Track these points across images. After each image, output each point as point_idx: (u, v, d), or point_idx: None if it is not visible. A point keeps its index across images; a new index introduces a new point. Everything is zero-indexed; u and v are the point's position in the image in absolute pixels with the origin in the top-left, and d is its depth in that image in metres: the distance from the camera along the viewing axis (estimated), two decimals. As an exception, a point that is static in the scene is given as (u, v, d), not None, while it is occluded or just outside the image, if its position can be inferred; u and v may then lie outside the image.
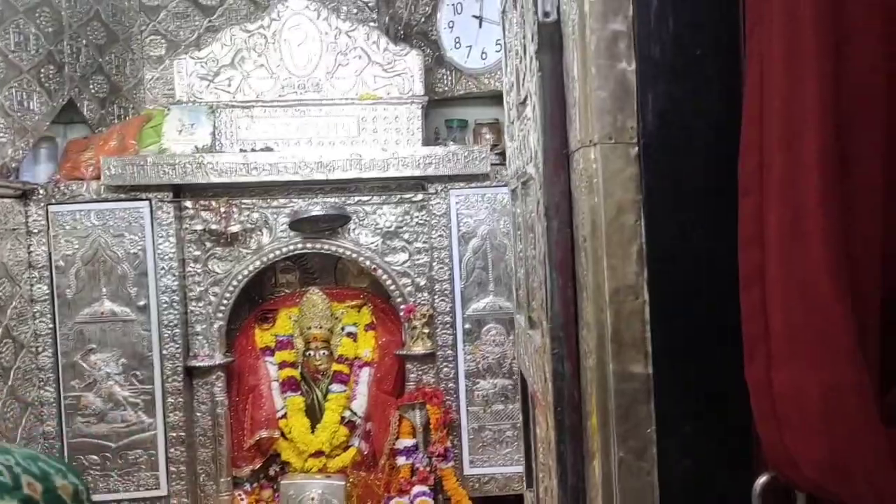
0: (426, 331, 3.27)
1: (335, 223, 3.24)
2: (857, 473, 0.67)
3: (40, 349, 3.00)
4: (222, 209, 3.12)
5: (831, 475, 0.69)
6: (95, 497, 3.04)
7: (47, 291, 3.01)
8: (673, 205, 0.91)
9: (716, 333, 0.92)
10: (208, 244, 3.19)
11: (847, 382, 0.65)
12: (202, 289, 3.20)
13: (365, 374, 3.43)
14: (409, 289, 3.31)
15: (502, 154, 2.95)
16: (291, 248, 3.27)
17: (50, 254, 2.99)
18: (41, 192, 2.98)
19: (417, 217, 3.29)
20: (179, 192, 3.13)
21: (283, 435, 3.33)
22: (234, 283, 3.23)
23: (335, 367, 3.43)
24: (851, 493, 0.69)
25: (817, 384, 0.67)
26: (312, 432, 3.32)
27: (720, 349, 0.92)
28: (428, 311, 3.27)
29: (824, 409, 0.66)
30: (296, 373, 3.42)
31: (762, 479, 0.85)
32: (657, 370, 0.93)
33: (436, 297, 3.26)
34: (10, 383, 2.78)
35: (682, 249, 0.92)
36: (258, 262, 3.25)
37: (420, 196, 3.27)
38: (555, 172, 1.05)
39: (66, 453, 3.01)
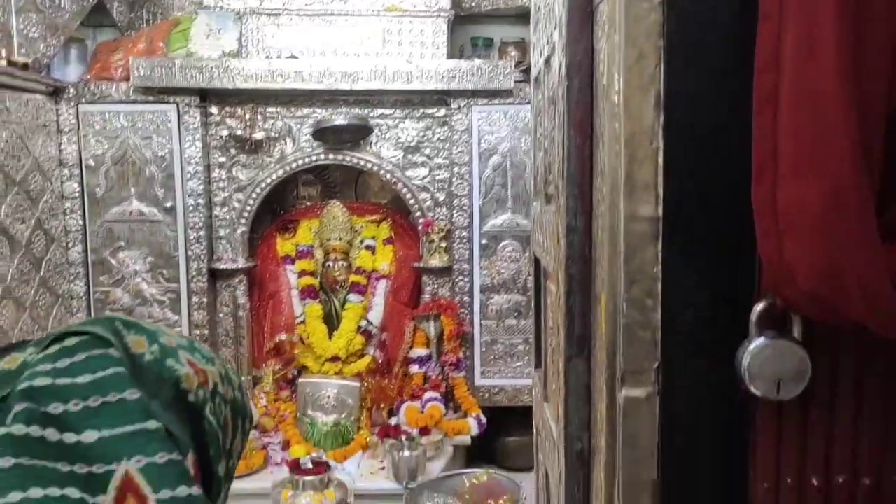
0: (443, 245, 3.34)
1: (358, 134, 3.28)
2: (852, 280, 0.72)
3: (70, 244, 3.11)
4: (247, 116, 3.17)
5: (826, 282, 0.74)
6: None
7: (77, 189, 3.10)
8: (694, 52, 0.95)
9: (727, 181, 0.97)
10: (233, 151, 3.26)
11: (848, 186, 0.69)
12: (226, 194, 3.28)
13: (382, 286, 3.52)
14: (427, 203, 3.36)
15: (526, 71, 2.96)
16: (314, 158, 3.33)
17: (80, 152, 3.07)
18: (72, 90, 3.04)
19: (439, 132, 3.33)
20: (206, 97, 3.18)
21: (301, 340, 3.46)
22: (258, 190, 3.30)
23: (353, 278, 3.52)
24: (844, 301, 0.74)
25: (819, 192, 0.71)
26: (330, 339, 3.44)
27: (729, 197, 0.96)
28: (446, 225, 3.33)
29: (823, 214, 0.71)
30: (315, 282, 3.51)
31: (760, 306, 0.91)
32: (666, 212, 0.98)
33: (454, 212, 3.31)
34: (42, 274, 2.90)
35: (700, 96, 0.96)
36: (281, 171, 3.31)
37: (442, 111, 3.30)
38: (580, 29, 1.09)
39: (94, 345, 3.13)
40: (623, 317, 1.01)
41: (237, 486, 2.75)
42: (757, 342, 0.89)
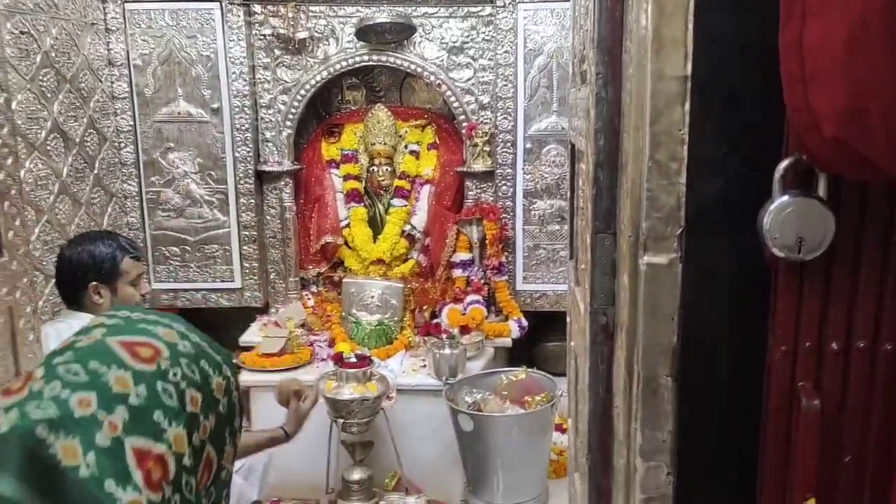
0: (487, 149, 3.31)
1: (401, 34, 3.22)
2: (877, 120, 0.69)
3: (122, 145, 3.19)
4: (290, 14, 3.14)
5: (851, 125, 0.71)
6: (178, 286, 3.33)
7: (127, 89, 3.15)
8: None
9: (757, 34, 0.92)
10: (277, 51, 3.25)
11: (874, 19, 0.65)
12: (271, 96, 3.29)
13: (425, 191, 3.53)
14: (472, 106, 3.32)
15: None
16: (357, 59, 3.30)
17: (128, 52, 3.11)
18: (118, -12, 3.06)
19: (484, 33, 3.24)
20: (249, -5, 3.16)
21: (346, 243, 3.52)
22: (302, 92, 3.30)
23: (397, 182, 3.54)
24: (869, 144, 0.71)
25: (845, 27, 0.68)
26: (374, 243, 3.49)
27: (759, 52, 0.92)
28: (490, 129, 3.29)
29: (849, 50, 0.67)
30: (359, 185, 3.54)
31: (785, 162, 0.88)
32: (695, 70, 0.94)
33: (498, 115, 3.26)
34: (96, 172, 2.99)
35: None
36: (325, 73, 3.30)
37: (487, 10, 3.21)
38: None
39: (149, 244, 3.26)
40: (647, 182, 0.99)
41: (283, 377, 2.87)
42: (780, 200, 0.87)
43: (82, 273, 2.12)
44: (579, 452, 1.53)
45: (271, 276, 3.44)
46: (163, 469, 0.51)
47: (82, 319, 2.14)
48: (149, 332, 0.61)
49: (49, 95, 2.66)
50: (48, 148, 2.64)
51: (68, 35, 2.78)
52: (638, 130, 1.00)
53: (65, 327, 2.12)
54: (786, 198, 0.86)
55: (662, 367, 1.03)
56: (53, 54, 2.68)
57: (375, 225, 3.53)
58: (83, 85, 2.89)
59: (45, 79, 2.63)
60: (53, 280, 2.22)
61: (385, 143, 3.51)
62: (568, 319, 1.82)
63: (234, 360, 2.82)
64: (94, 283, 2.12)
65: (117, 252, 2.17)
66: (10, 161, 1.77)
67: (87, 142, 2.92)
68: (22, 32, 2.50)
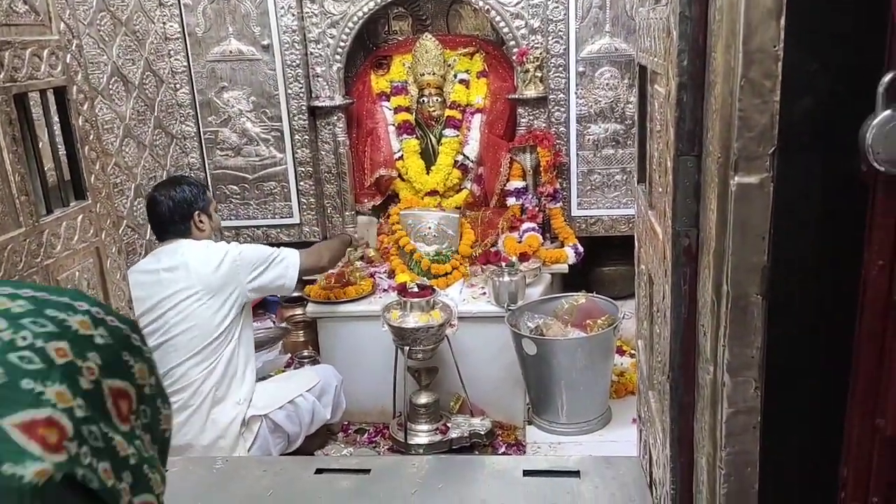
0: (538, 74, 3.26)
1: (448, -41, 3.15)
2: None
3: (178, 86, 3.23)
4: (336, -56, 3.09)
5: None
6: (239, 223, 3.42)
7: (179, 30, 3.17)
8: None
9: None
10: (324, -16, 3.21)
11: None
12: (320, 30, 3.27)
13: (477, 120, 3.51)
14: (521, 31, 3.25)
15: None
16: (404, -13, 3.24)
17: (177, -9, 3.11)
18: (163, -74, 3.04)
19: (533, -48, 3.15)
20: (292, -75, 3.11)
21: (399, 176, 3.55)
22: (350, 24, 3.28)
23: (448, 112, 3.52)
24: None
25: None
26: (427, 174, 3.51)
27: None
28: (541, 53, 3.23)
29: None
30: (410, 117, 3.54)
31: (889, 76, 0.87)
32: (791, -15, 0.93)
33: (549, 38, 3.20)
34: (156, 114, 3.05)
35: None
36: (372, 3, 3.26)
37: (537, -72, 3.11)
38: None
39: (209, 183, 3.33)
40: (739, 101, 0.99)
41: (350, 308, 2.97)
42: (884, 114, 0.86)
43: (188, 205, 2.57)
44: (655, 371, 1.57)
45: (328, 211, 3.50)
46: (58, 430, 0.48)
47: (181, 242, 2.53)
48: None
49: (107, 39, 2.70)
50: (110, 92, 2.70)
51: (120, -24, 2.79)
52: (730, 48, 0.99)
53: (166, 248, 2.53)
54: (889, 111, 0.85)
55: (752, 285, 1.05)
56: (107, -3, 2.71)
57: (428, 156, 3.54)
58: (137, 27, 2.92)
59: (102, 23, 2.66)
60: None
61: (434, 74, 3.48)
62: (637, 245, 1.83)
63: (297, 295, 2.94)
64: (198, 212, 2.59)
65: (201, 187, 2.68)
66: (85, 107, 1.82)
67: (145, 84, 2.96)
68: (77, -23, 2.52)
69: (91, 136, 1.85)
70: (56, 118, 1.76)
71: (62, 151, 1.80)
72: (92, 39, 2.60)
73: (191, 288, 2.42)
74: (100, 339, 0.56)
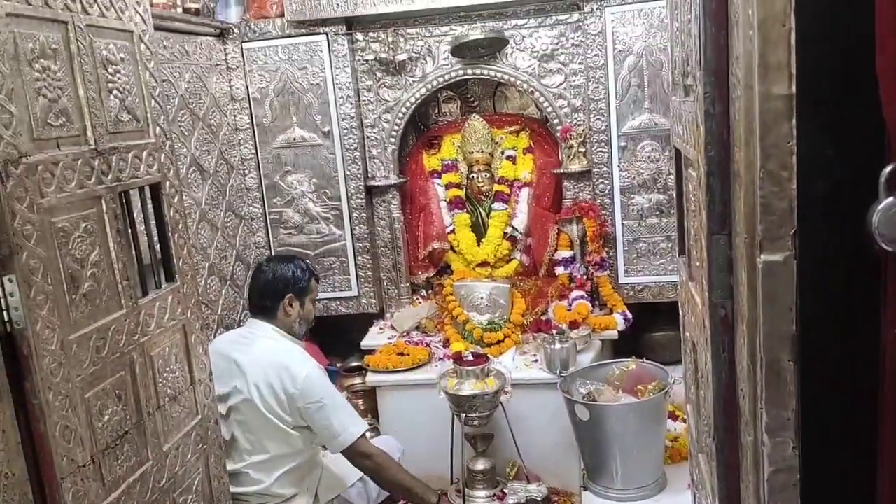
0: (582, 150, 3.43)
1: (493, 47, 3.39)
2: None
3: (246, 171, 3.51)
4: (390, 39, 3.36)
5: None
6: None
7: (248, 121, 3.46)
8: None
9: (855, 57, 1.04)
10: (378, 74, 3.48)
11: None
12: (375, 116, 3.53)
13: (524, 194, 3.69)
14: (564, 110, 3.44)
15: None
16: (453, 74, 3.49)
17: (247, 87, 3.42)
18: (235, 30, 3.37)
19: (573, 38, 3.37)
20: (351, 24, 3.41)
21: (451, 248, 3.72)
22: (403, 109, 3.53)
23: (496, 187, 3.71)
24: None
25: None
26: (478, 246, 3.68)
27: (858, 72, 1.04)
28: (584, 130, 3.41)
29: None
30: (461, 193, 3.74)
31: (889, 168, 1.00)
32: (799, 90, 1.07)
33: (591, 116, 3.38)
34: (227, 198, 3.31)
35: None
36: (423, 90, 3.51)
37: (575, 16, 3.33)
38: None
39: (274, 260, 3.56)
40: (760, 189, 1.12)
41: (407, 377, 3.10)
42: (886, 201, 0.98)
43: (283, 285, 2.59)
44: (702, 434, 1.65)
45: (384, 283, 3.68)
46: None
47: (263, 328, 2.59)
48: None
49: (186, 134, 2.98)
50: (189, 181, 2.96)
51: (198, 77, 3.10)
52: (749, 145, 1.13)
53: (244, 331, 2.62)
54: (891, 199, 0.98)
55: (784, 351, 1.16)
56: (187, 96, 3.00)
57: (479, 229, 3.72)
58: (212, 121, 3.21)
59: (182, 119, 2.95)
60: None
61: (482, 151, 3.69)
62: (681, 312, 1.93)
63: (357, 365, 3.07)
64: (290, 295, 2.60)
65: (308, 272, 2.69)
66: (176, 199, 2.05)
67: (218, 172, 3.23)
68: (163, 80, 2.81)
69: (180, 225, 2.07)
70: (151, 210, 1.99)
71: (155, 238, 2.02)
72: (174, 134, 2.86)
73: (245, 393, 2.47)
74: None
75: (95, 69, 1.73)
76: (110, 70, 1.79)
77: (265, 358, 2.50)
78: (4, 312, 1.41)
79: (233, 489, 2.37)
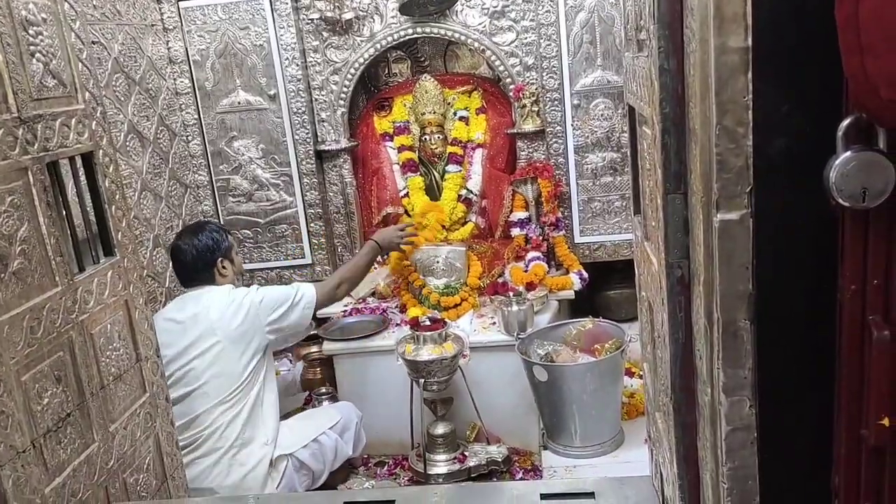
0: (535, 109, 3.38)
1: (443, 5, 3.30)
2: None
3: (190, 138, 3.37)
4: (335, -4, 3.24)
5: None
6: (253, 266, 3.53)
7: (189, 85, 3.32)
8: None
9: (812, 5, 1.00)
10: (325, 34, 3.36)
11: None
12: (323, 78, 3.41)
13: (478, 155, 3.64)
14: (517, 69, 3.38)
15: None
16: (402, 33, 3.39)
17: (186, 49, 3.26)
18: (171, -12, 3.21)
19: (524, -6, 3.29)
20: (294, -19, 3.28)
21: (406, 212, 3.66)
22: (352, 70, 3.42)
23: (450, 149, 3.65)
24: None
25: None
26: (433, 209, 3.62)
27: (815, 22, 1.00)
28: (536, 89, 3.36)
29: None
30: (414, 155, 3.67)
31: (846, 121, 0.97)
32: (756, 43, 1.03)
33: (544, 74, 3.33)
34: (170, 166, 3.18)
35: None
36: (372, 50, 3.40)
37: (526, -29, 3.25)
38: None
39: (223, 229, 3.46)
40: (716, 146, 1.09)
41: (364, 344, 3.07)
42: (844, 155, 0.96)
43: (210, 253, 2.64)
44: (659, 393, 1.66)
45: (338, 250, 3.61)
46: None
47: (201, 289, 2.62)
48: None
49: (122, 99, 2.83)
50: (128, 149, 2.83)
51: (132, 39, 2.94)
52: (704, 100, 1.09)
53: (185, 299, 2.62)
54: (848, 153, 0.95)
55: (740, 311, 1.14)
56: (121, 59, 2.85)
57: (433, 192, 3.66)
58: (150, 85, 3.06)
59: (117, 84, 2.80)
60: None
61: (434, 112, 3.61)
62: (637, 272, 1.92)
63: (312, 333, 3.05)
64: (219, 259, 2.66)
65: (222, 232, 2.74)
66: (111, 169, 1.94)
67: (159, 139, 3.10)
68: (93, 42, 2.66)
69: (117, 196, 1.96)
70: (84, 181, 1.88)
71: (90, 211, 1.91)
72: (108, 100, 2.73)
73: (213, 336, 2.51)
74: None
75: (14, 31, 1.61)
76: (31, 32, 1.67)
77: (217, 300, 2.58)
78: (-76, 295, 1.32)
79: (195, 453, 2.44)
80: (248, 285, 3.44)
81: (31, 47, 1.67)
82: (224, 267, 2.68)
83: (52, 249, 1.66)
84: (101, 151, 1.89)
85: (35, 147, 1.63)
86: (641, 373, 2.88)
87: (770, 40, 1.04)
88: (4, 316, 1.50)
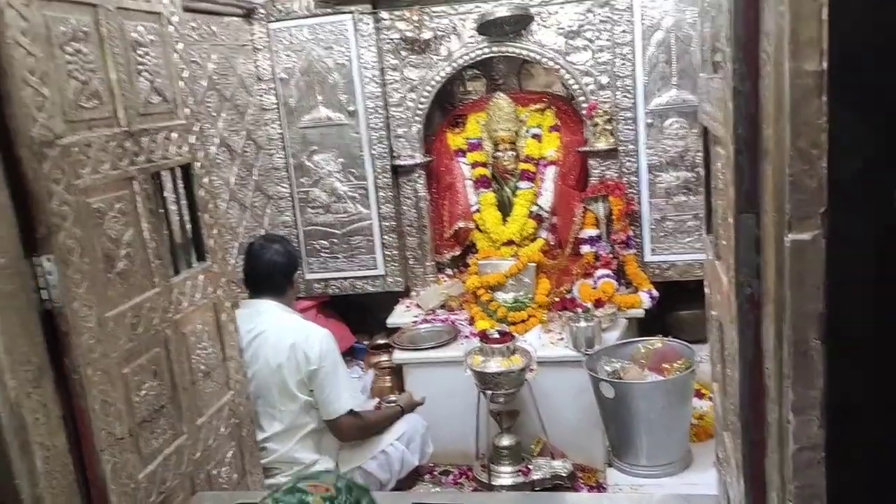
0: (608, 127, 3.40)
1: (519, 25, 3.36)
2: None
3: (274, 151, 3.54)
4: (415, 17, 3.35)
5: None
6: (328, 275, 3.66)
7: (274, 101, 3.49)
8: None
9: (889, 32, 1.02)
10: (403, 52, 3.48)
11: None
12: (401, 95, 3.53)
13: (550, 172, 3.67)
14: (591, 87, 3.41)
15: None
16: (478, 52, 3.47)
17: (273, 67, 3.44)
18: (262, 11, 3.38)
19: (600, 14, 3.32)
20: (376, 4, 3.40)
21: (477, 227, 3.73)
22: (429, 88, 3.52)
23: (522, 166, 3.70)
24: None
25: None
26: (504, 225, 3.68)
27: (891, 46, 1.02)
28: (610, 107, 3.38)
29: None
30: (486, 171, 3.73)
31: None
32: (831, 66, 1.05)
33: (618, 93, 3.35)
34: (255, 178, 3.34)
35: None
36: (449, 68, 3.50)
37: (603, -9, 3.29)
38: None
39: (301, 238, 3.60)
40: (789, 167, 1.11)
41: (433, 354, 3.13)
42: (918, 178, 0.97)
43: (290, 262, 2.70)
44: (728, 412, 1.66)
45: (410, 262, 3.71)
46: None
47: (267, 305, 2.64)
48: None
49: (214, 114, 3.01)
50: (218, 161, 3.00)
51: (225, 58, 3.12)
52: (778, 121, 1.12)
53: (251, 310, 2.62)
54: (923, 176, 0.96)
55: (811, 331, 1.16)
56: (215, 77, 3.03)
57: (504, 208, 3.71)
58: (239, 101, 3.24)
59: (210, 100, 2.98)
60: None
61: (508, 129, 3.67)
62: (707, 290, 1.93)
63: (384, 342, 3.14)
64: (294, 276, 2.72)
65: (296, 250, 2.81)
66: (205, 179, 2.08)
67: (246, 152, 3.27)
68: (191, 61, 2.84)
69: (209, 205, 2.10)
70: (182, 190, 2.02)
71: (186, 218, 2.05)
72: (202, 115, 2.90)
73: (270, 364, 2.53)
74: None
75: (125, 51, 1.76)
76: (140, 52, 1.81)
77: (282, 329, 2.57)
78: (43, 291, 1.45)
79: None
80: (323, 294, 3.59)
81: (140, 67, 1.82)
82: (292, 285, 2.75)
83: (153, 253, 1.80)
84: (197, 163, 2.03)
85: (140, 158, 1.77)
86: (711, 394, 2.85)
87: (845, 64, 1.06)
88: (110, 312, 1.63)
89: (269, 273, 2.70)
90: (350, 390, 2.67)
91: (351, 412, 2.61)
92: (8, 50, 1.37)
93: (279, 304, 2.68)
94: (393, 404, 2.92)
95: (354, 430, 2.67)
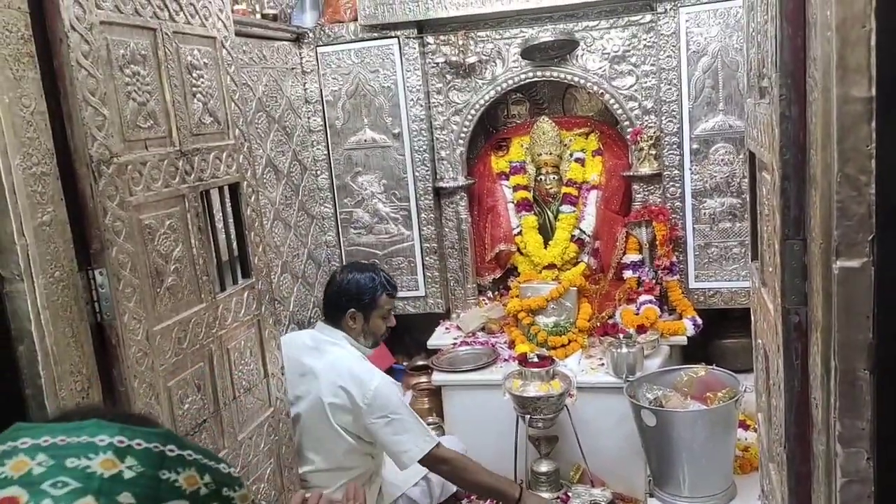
0: (653, 152, 3.37)
1: (564, 49, 3.38)
2: None
3: (318, 172, 3.60)
4: (460, 42, 3.39)
5: None
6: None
7: (321, 123, 3.56)
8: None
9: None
10: (448, 76, 3.52)
11: None
12: (445, 118, 3.56)
13: (593, 196, 3.66)
14: (635, 112, 3.40)
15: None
16: (523, 76, 3.49)
17: (321, 90, 3.51)
18: (310, 35, 3.47)
19: (645, 39, 3.32)
20: (422, 28, 3.46)
21: (518, 250, 3.73)
22: (472, 111, 3.55)
23: (564, 189, 3.69)
24: None
25: None
26: (545, 248, 3.67)
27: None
28: (655, 132, 3.36)
29: None
30: (529, 195, 3.74)
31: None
32: (880, 93, 1.04)
33: (663, 118, 3.33)
34: (299, 198, 3.40)
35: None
36: (493, 92, 3.52)
37: (648, 17, 3.28)
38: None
39: (343, 259, 3.65)
40: (837, 193, 1.10)
41: (472, 377, 3.13)
42: (972, 207, 0.95)
43: (346, 299, 2.57)
44: (773, 443, 1.62)
45: (451, 284, 3.72)
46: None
47: (334, 334, 2.59)
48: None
49: (262, 135, 3.08)
50: (264, 181, 3.07)
51: (274, 81, 3.21)
52: (826, 148, 1.11)
53: (315, 334, 2.63)
54: (977, 205, 0.94)
55: (859, 360, 1.13)
56: (264, 99, 3.11)
57: (546, 231, 3.71)
58: (287, 123, 3.31)
59: (259, 121, 3.06)
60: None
61: (551, 153, 3.68)
62: (753, 318, 1.89)
63: (423, 364, 3.10)
64: (353, 309, 2.56)
65: (378, 287, 2.60)
66: (252, 199, 2.12)
67: (292, 172, 3.34)
68: (242, 84, 2.92)
69: (256, 223, 2.15)
70: (229, 208, 2.07)
71: (233, 236, 2.10)
72: (251, 136, 2.97)
73: (313, 400, 2.48)
74: (129, 473, 0.55)
75: (181, 74, 1.82)
76: (194, 75, 1.88)
77: (336, 367, 2.49)
78: (95, 304, 1.50)
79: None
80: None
81: (194, 88, 1.88)
82: (353, 319, 2.58)
83: (200, 269, 1.85)
84: (245, 182, 2.08)
85: (191, 177, 1.83)
86: (756, 425, 2.78)
87: (894, 90, 1.04)
88: (158, 326, 1.67)
89: (326, 301, 2.65)
90: (423, 429, 2.49)
91: (437, 446, 2.46)
92: (71, 72, 1.43)
93: (345, 335, 2.60)
94: (513, 481, 2.71)
95: (446, 466, 2.51)
